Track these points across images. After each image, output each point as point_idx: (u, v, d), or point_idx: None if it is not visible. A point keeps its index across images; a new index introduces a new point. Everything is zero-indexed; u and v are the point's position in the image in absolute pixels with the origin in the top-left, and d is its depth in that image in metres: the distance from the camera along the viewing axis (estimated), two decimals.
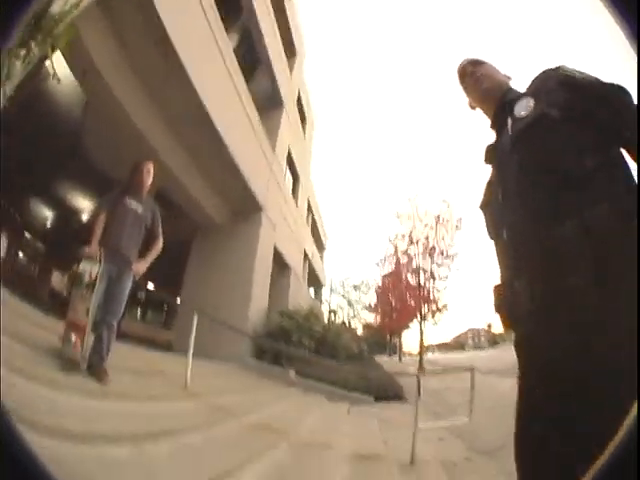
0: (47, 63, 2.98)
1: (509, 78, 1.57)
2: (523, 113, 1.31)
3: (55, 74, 3.11)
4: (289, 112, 14.75)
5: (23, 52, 2.46)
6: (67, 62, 4.84)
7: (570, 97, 1.22)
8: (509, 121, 1.38)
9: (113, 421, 2.68)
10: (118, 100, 6.49)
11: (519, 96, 1.39)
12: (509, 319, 1.29)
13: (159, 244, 4.06)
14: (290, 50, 15.42)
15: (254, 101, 10.52)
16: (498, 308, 1.33)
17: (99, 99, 6.77)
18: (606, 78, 1.20)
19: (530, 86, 1.40)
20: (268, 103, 13.40)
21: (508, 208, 1.32)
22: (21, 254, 19.83)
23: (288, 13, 14.79)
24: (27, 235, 19.03)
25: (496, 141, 1.47)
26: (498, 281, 1.34)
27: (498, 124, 1.46)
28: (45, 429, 1.97)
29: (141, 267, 3.83)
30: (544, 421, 1.06)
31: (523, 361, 1.21)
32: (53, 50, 2.92)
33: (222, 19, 8.37)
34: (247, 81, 10.31)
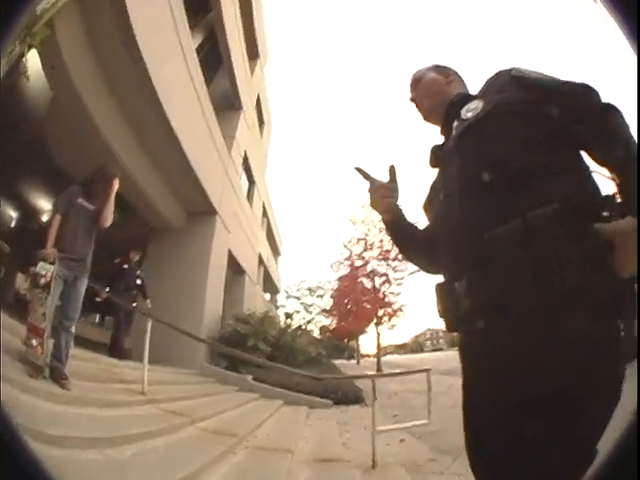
0: (22, 60, 2.94)
1: (451, 82, 1.53)
2: (469, 114, 1.29)
3: (26, 72, 3.07)
4: (247, 115, 14.69)
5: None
6: (40, 57, 4.73)
7: (520, 95, 1.19)
8: (455, 123, 1.37)
9: (80, 426, 2.77)
10: (80, 96, 6.26)
11: (467, 99, 1.37)
12: (451, 321, 1.26)
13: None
14: (253, 51, 15.36)
15: (212, 102, 10.38)
16: (441, 310, 1.29)
17: (64, 95, 6.50)
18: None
19: (481, 88, 1.38)
20: (227, 105, 13.31)
21: (449, 209, 1.29)
22: None
23: (254, 14, 14.75)
24: None
25: (442, 144, 1.45)
26: (441, 281, 1.31)
27: (446, 128, 1.44)
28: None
29: None
30: (489, 431, 1.06)
31: (465, 364, 1.21)
32: (29, 48, 2.87)
33: (188, 17, 8.34)
34: (208, 81, 10.16)
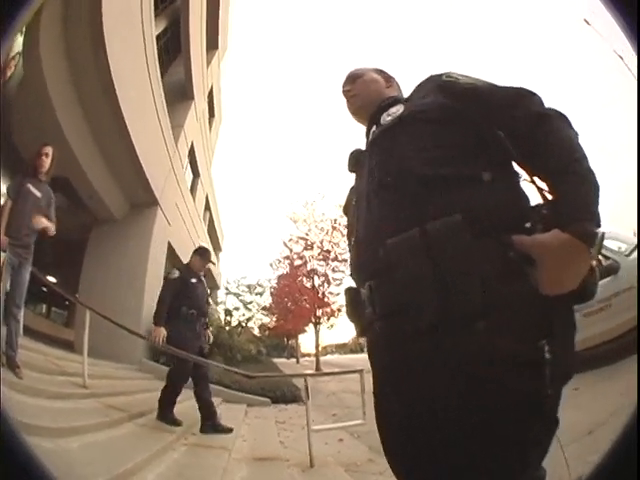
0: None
1: (391, 87, 1.49)
2: (388, 119, 1.23)
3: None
4: (198, 106, 14.43)
5: None
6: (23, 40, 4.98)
7: (441, 101, 1.13)
8: (373, 128, 1.33)
9: (34, 414, 2.82)
10: (44, 80, 6.22)
11: (392, 103, 1.31)
12: (359, 325, 1.23)
13: (51, 230, 4.07)
14: (213, 42, 15.12)
15: (164, 90, 10.17)
16: (348, 315, 1.28)
17: (32, 76, 6.36)
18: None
19: (411, 92, 1.33)
20: (178, 94, 13.05)
21: (357, 215, 1.25)
22: None
23: (221, 5, 14.60)
24: None
25: (362, 149, 1.39)
26: (349, 286, 1.29)
27: (368, 132, 1.38)
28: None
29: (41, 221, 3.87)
30: (398, 440, 1.05)
31: (372, 370, 1.17)
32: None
33: (155, 3, 8.50)
34: (163, 69, 9.98)
